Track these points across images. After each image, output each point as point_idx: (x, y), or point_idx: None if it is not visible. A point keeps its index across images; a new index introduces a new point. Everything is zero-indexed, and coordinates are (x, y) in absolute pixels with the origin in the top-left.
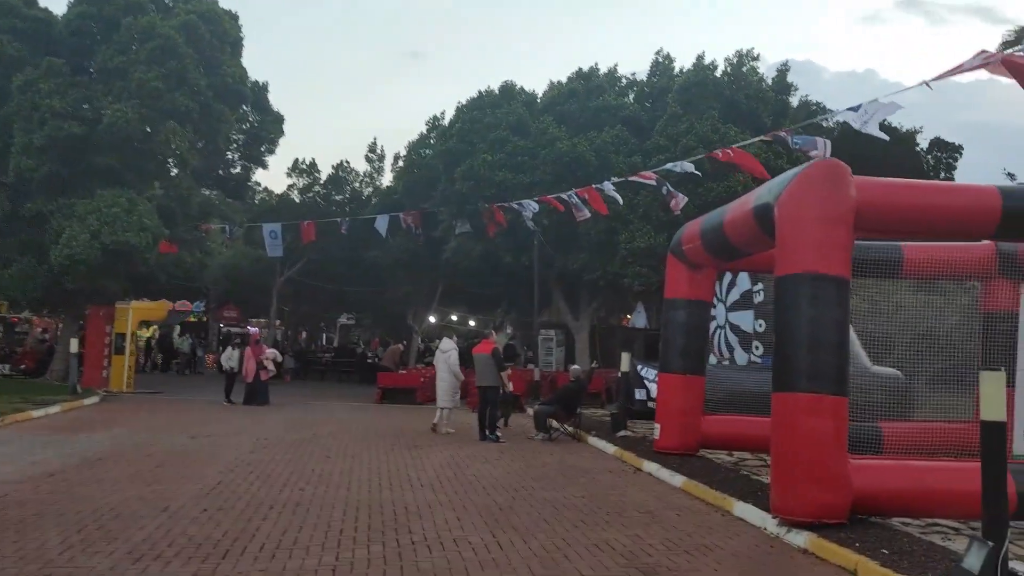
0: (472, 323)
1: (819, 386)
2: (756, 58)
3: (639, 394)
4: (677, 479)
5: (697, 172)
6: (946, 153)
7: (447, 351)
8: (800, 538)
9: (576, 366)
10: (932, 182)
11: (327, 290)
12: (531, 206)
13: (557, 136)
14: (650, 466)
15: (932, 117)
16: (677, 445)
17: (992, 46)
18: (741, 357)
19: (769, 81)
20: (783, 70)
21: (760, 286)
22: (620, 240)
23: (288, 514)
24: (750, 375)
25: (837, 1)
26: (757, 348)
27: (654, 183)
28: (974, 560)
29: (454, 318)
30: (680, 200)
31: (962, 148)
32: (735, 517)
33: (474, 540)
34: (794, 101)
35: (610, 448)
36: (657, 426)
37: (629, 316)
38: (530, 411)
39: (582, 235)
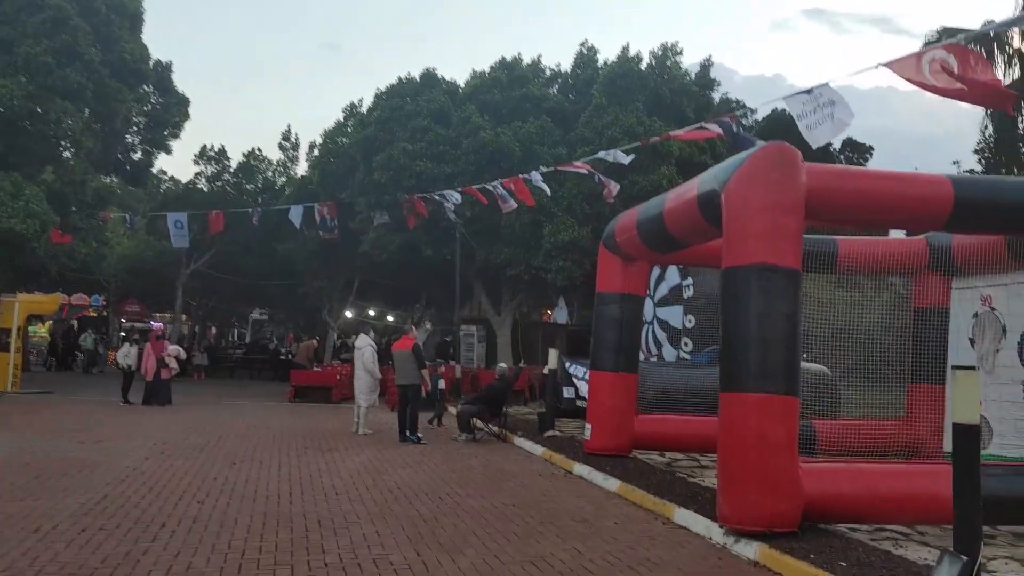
0: (391, 318)
1: (769, 385)
2: (679, 52)
3: (567, 392)
4: (612, 483)
5: (628, 159)
6: (857, 154)
7: (362, 347)
8: (750, 549)
9: (502, 364)
10: (884, 170)
11: (238, 284)
12: (453, 197)
13: (480, 126)
14: (581, 468)
15: None
16: (609, 446)
17: (888, 53)
18: (669, 353)
19: (693, 76)
20: (706, 65)
21: (690, 281)
22: (544, 233)
23: (182, 533)
24: (681, 372)
25: (749, 8)
26: (686, 344)
27: (585, 172)
28: (946, 575)
29: (372, 313)
30: (613, 188)
31: (873, 149)
32: (676, 525)
33: (396, 559)
34: (715, 98)
35: (538, 449)
36: (588, 426)
37: (550, 312)
38: (452, 410)
39: (505, 228)
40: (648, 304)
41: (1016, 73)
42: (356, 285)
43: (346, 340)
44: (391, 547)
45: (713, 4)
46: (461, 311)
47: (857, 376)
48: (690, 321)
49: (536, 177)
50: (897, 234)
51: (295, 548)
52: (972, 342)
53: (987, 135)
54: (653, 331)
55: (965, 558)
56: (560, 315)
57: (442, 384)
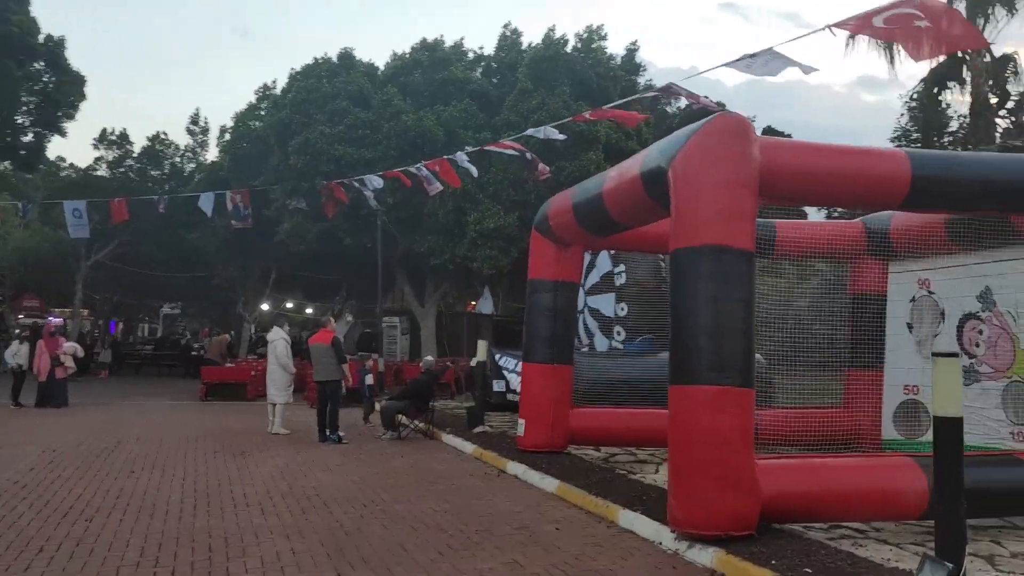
0: (310, 310)
1: (724, 377)
2: (604, 37)
3: (498, 385)
4: (549, 483)
5: (561, 136)
6: None
7: (275, 341)
8: (706, 555)
9: (428, 356)
10: (840, 144)
11: (145, 276)
12: (374, 182)
13: (402, 109)
14: (516, 467)
15: (748, 113)
16: (544, 442)
17: (800, 46)
18: (601, 343)
19: (619, 60)
20: (632, 49)
21: (622, 268)
22: (469, 221)
23: (62, 559)
24: (615, 363)
25: (665, 1)
26: (619, 333)
27: (514, 152)
28: None
29: (289, 305)
30: (544, 167)
31: (791, 136)
32: (622, 529)
33: None
34: (640, 83)
35: (468, 447)
36: (521, 421)
37: (474, 302)
38: (376, 406)
39: (429, 216)
40: (581, 292)
41: (942, 57)
42: (273, 276)
43: (263, 334)
44: (308, 567)
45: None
46: (383, 302)
47: (792, 363)
48: (622, 309)
49: (462, 158)
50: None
51: (195, 573)
52: (910, 327)
53: (904, 123)
54: (584, 320)
55: (950, 565)
56: (485, 305)
57: (371, 379)
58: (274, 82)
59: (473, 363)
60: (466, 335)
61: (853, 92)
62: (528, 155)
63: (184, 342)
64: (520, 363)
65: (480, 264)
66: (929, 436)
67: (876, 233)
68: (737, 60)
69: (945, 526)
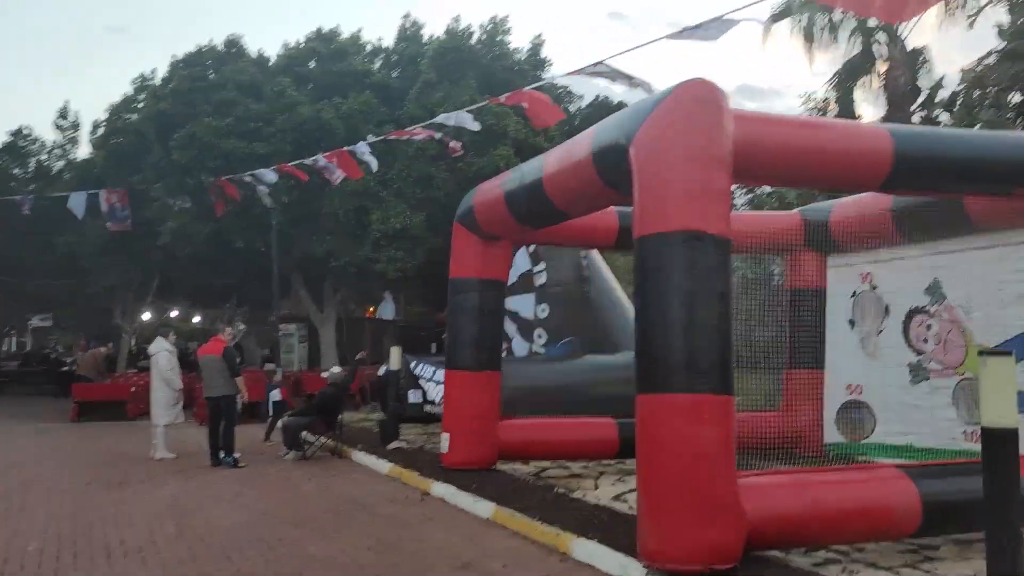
0: (197, 319)
1: (701, 383)
2: (508, 31)
3: (413, 396)
4: (483, 507)
5: (476, 126)
6: None
7: (156, 353)
8: None
9: (336, 367)
10: (818, 119)
11: (10, 285)
12: (268, 177)
13: (297, 100)
14: (442, 488)
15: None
16: (471, 458)
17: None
18: (520, 347)
19: (524, 54)
20: (537, 44)
21: (543, 266)
22: (372, 221)
23: None
24: (541, 368)
25: (558, 8)
26: (540, 337)
27: (422, 138)
28: None
29: (174, 314)
30: (457, 144)
31: None
32: (579, 562)
33: None
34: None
35: (384, 466)
36: (444, 436)
37: (374, 308)
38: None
39: (328, 215)
40: None
41: (857, 47)
42: (155, 283)
43: (144, 346)
44: None
45: (525, 4)
46: (279, 309)
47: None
48: (543, 311)
49: (363, 149)
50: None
51: None
52: (852, 323)
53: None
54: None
55: None
56: (386, 310)
57: (277, 394)
58: (153, 71)
59: (381, 371)
60: (369, 342)
61: (735, 103)
62: (438, 136)
63: (53, 356)
64: (439, 371)
65: (384, 266)
66: (874, 437)
67: (815, 225)
68: (680, 32)
69: (999, 552)
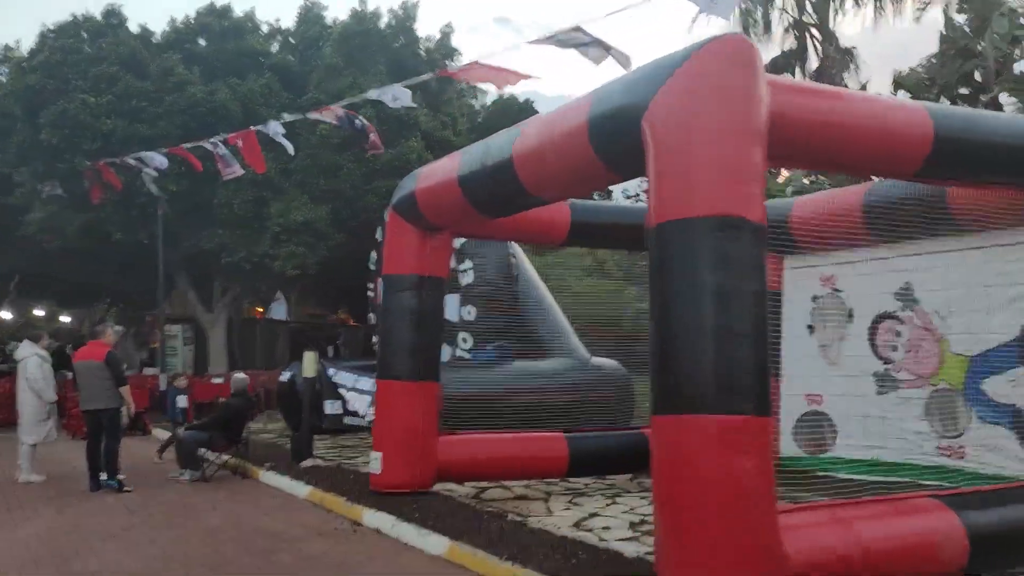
0: (66, 318)
1: (737, 402)
2: (415, 18)
3: (331, 407)
4: (435, 542)
5: (411, 103)
6: None
7: (25, 358)
8: None
9: (240, 374)
10: (858, 92)
11: None
12: (156, 161)
13: (188, 79)
14: (377, 518)
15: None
16: (407, 480)
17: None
18: (444, 352)
19: (434, 43)
20: (447, 32)
21: (469, 264)
22: (271, 213)
23: None
24: (467, 376)
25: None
26: (465, 341)
27: (338, 122)
28: None
29: (40, 313)
30: (378, 140)
31: None
32: None
33: None
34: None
35: (301, 489)
36: (376, 455)
37: (263, 308)
38: (159, 434)
39: (221, 207)
40: None
41: (792, 43)
42: (17, 279)
43: (3, 347)
44: None
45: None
46: (162, 308)
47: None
48: (469, 313)
49: (275, 129)
50: None
51: None
52: (811, 329)
53: None
54: None
55: None
56: (278, 311)
57: (184, 401)
58: (17, 42)
59: (283, 377)
60: (260, 345)
61: None
62: (359, 121)
63: None
64: (362, 379)
65: (283, 264)
66: (835, 450)
67: (772, 223)
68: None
69: None
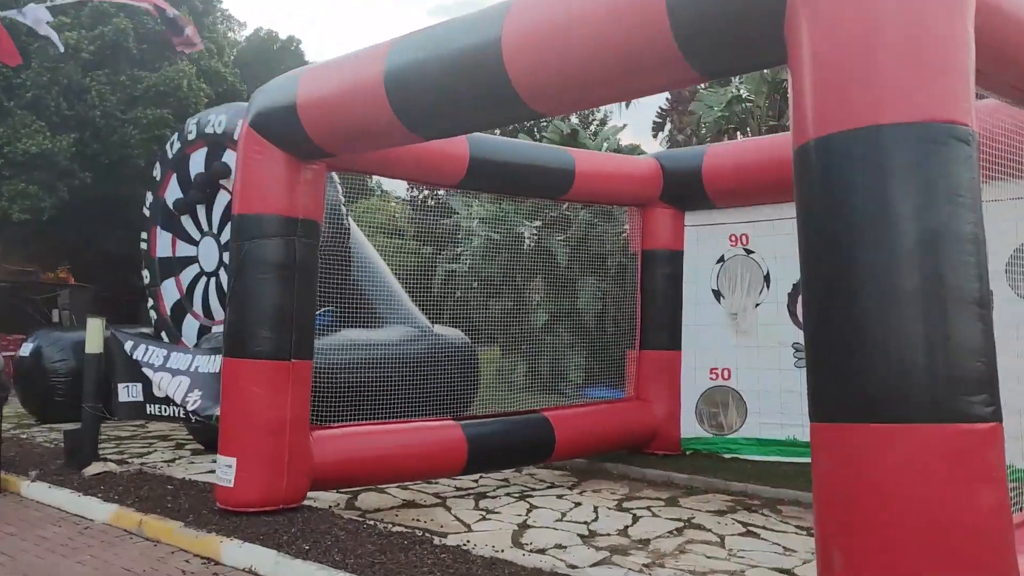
0: None
1: (962, 403)
2: None
3: (127, 392)
4: None
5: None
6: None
7: None
8: None
9: None
10: None
11: None
12: None
13: None
14: (246, 554)
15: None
16: (271, 494)
17: None
18: None
19: None
20: None
21: None
22: None
23: None
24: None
25: None
26: None
27: (148, 5)
28: None
29: None
30: (193, 34)
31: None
32: None
33: None
34: None
35: (98, 509)
36: (228, 461)
37: None
38: None
39: None
40: (210, 246)
41: None
42: None
43: None
44: None
45: None
46: None
47: (545, 344)
48: None
49: (40, 16)
50: None
51: None
52: (717, 295)
53: None
54: (219, 285)
55: None
56: None
57: None
58: None
59: (25, 351)
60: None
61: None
62: (171, 13)
63: None
64: (176, 356)
65: (7, 205)
66: (744, 431)
67: (678, 174)
68: None
69: None
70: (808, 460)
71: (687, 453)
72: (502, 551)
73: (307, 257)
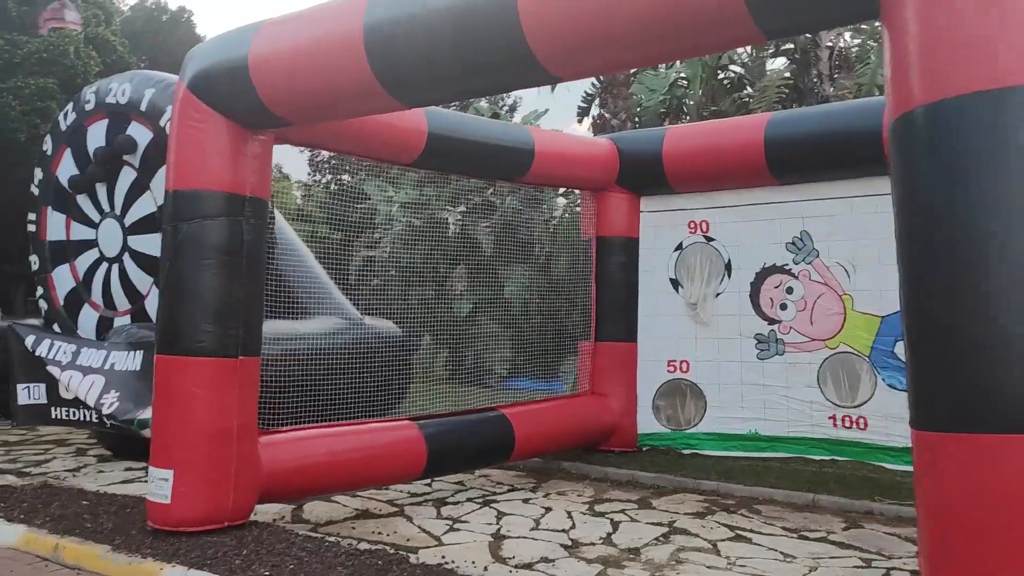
0: None
1: None
2: None
3: (28, 393)
4: None
5: None
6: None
7: None
8: None
9: None
10: None
11: None
12: None
13: None
14: None
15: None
16: (216, 510)
17: None
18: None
19: None
20: None
21: None
22: None
23: None
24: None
25: None
26: None
27: None
28: None
29: None
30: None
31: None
32: None
33: None
34: None
35: (5, 531)
36: (164, 474)
37: None
38: None
39: None
40: (112, 228)
41: None
42: None
43: None
44: None
45: None
46: None
47: (492, 337)
48: None
49: None
50: None
51: None
52: (675, 284)
53: None
54: (122, 272)
55: None
56: None
57: None
58: None
59: None
60: None
61: None
62: None
63: None
64: (88, 352)
65: None
66: (703, 425)
67: (636, 156)
68: None
69: None
70: (770, 455)
71: (643, 449)
72: (486, 568)
73: (255, 240)
